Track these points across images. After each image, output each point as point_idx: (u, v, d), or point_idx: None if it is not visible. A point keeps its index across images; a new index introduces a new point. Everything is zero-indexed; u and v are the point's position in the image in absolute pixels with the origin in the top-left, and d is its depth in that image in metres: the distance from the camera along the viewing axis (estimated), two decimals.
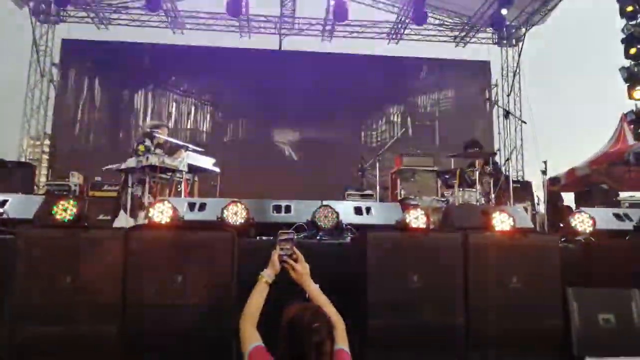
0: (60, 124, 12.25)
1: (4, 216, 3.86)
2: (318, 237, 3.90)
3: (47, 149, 12.08)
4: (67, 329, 2.75)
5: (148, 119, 11.97)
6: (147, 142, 6.40)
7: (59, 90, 12.31)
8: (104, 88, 12.50)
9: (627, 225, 4.37)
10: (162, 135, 6.61)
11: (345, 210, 4.42)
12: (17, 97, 12.07)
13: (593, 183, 9.14)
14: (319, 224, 3.90)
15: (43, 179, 10.95)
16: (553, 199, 7.98)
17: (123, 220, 4.85)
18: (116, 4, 12.54)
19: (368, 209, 4.56)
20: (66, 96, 12.35)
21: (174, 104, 12.70)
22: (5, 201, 4.03)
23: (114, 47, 12.44)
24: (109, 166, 6.74)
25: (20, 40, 12.33)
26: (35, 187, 8.99)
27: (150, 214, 3.78)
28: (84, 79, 12.43)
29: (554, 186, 9.70)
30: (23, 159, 11.36)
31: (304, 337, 2.15)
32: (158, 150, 6.42)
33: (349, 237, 3.97)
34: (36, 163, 11.25)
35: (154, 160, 5.93)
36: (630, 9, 10.34)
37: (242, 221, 3.83)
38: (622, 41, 10.69)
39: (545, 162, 6.79)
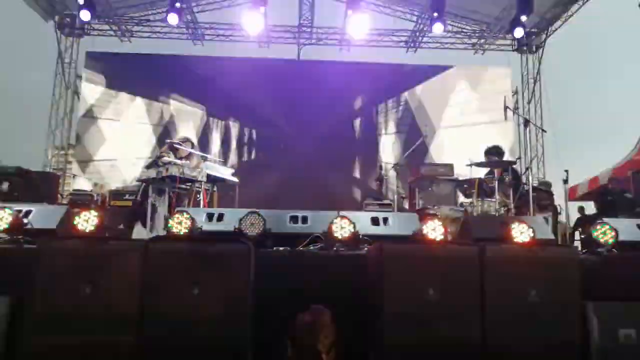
0: (83, 135, 12.52)
1: (28, 226, 3.96)
2: (334, 249, 3.91)
3: (71, 159, 12.39)
4: (86, 338, 2.80)
5: (174, 133, 12.11)
6: (169, 157, 6.54)
7: (83, 101, 12.60)
8: (127, 98, 12.74)
9: None
10: (186, 148, 6.72)
11: (362, 220, 4.41)
12: (42, 108, 12.44)
13: (616, 191, 8.94)
14: (335, 234, 3.90)
15: (67, 188, 11.20)
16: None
17: (142, 231, 4.94)
18: (138, 17, 12.81)
19: (385, 220, 4.53)
20: (90, 107, 12.63)
21: (196, 112, 12.86)
22: (29, 211, 4.12)
23: (136, 58, 12.75)
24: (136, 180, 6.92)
25: (45, 53, 12.73)
26: (59, 196, 9.18)
27: (169, 225, 3.86)
28: (108, 90, 12.70)
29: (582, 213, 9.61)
30: (48, 169, 11.65)
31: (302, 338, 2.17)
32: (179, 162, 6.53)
33: (365, 249, 3.96)
34: (60, 173, 11.53)
35: (174, 170, 6.02)
36: None
37: (259, 231, 3.87)
38: None
39: (566, 171, 6.69)
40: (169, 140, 7.05)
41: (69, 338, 2.78)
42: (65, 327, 2.80)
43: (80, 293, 2.83)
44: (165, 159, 6.37)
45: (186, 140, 7.01)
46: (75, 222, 3.29)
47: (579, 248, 4.88)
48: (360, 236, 4.08)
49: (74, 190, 10.01)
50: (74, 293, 2.84)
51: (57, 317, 2.81)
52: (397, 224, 4.48)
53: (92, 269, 2.91)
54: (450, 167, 8.30)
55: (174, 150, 6.63)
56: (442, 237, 3.44)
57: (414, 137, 12.78)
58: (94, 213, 3.33)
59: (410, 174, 8.50)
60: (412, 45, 13.33)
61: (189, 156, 6.73)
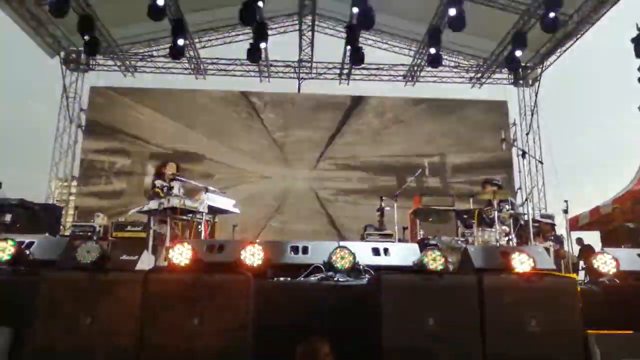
0: (86, 167, 12.63)
1: (30, 257, 3.98)
2: (335, 279, 3.91)
3: (73, 191, 12.47)
4: None
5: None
6: (158, 182, 6.62)
7: (86, 135, 12.77)
8: (129, 132, 12.91)
9: None
10: (169, 171, 6.80)
11: (363, 251, 4.42)
12: (46, 141, 12.62)
13: (618, 222, 8.94)
14: (335, 265, 3.90)
15: (70, 219, 11.22)
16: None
17: (146, 261, 4.94)
18: (142, 53, 13.12)
19: (386, 250, 4.53)
20: (93, 140, 12.79)
21: (197, 145, 12.99)
22: (31, 243, 4.15)
23: (139, 92, 13.00)
24: (134, 210, 6.97)
25: (50, 88, 12.98)
26: (61, 227, 9.20)
27: (169, 256, 3.87)
28: (111, 123, 12.89)
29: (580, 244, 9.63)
30: (51, 201, 11.70)
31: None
32: (174, 184, 6.61)
33: (366, 279, 3.95)
34: (63, 204, 11.58)
35: (175, 202, 6.08)
36: None
37: (260, 262, 3.87)
38: (639, 80, 10.66)
39: (566, 202, 6.72)
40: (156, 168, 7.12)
41: None
42: (66, 358, 2.79)
43: (81, 324, 2.83)
44: (158, 183, 6.56)
45: (166, 162, 7.06)
46: (76, 254, 3.31)
47: (583, 278, 4.87)
48: (361, 266, 4.09)
49: (76, 221, 10.04)
50: (74, 324, 2.84)
51: (57, 348, 2.80)
52: (398, 255, 4.48)
53: (92, 300, 2.92)
54: (451, 197, 8.36)
55: (161, 176, 6.75)
56: (442, 267, 3.45)
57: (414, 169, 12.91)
58: (95, 245, 3.35)
59: (412, 205, 8.54)
60: (410, 79, 13.59)
61: (173, 178, 6.80)
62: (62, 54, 12.45)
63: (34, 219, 6.93)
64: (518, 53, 10.87)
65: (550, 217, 8.73)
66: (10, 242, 3.78)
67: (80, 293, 2.94)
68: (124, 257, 4.53)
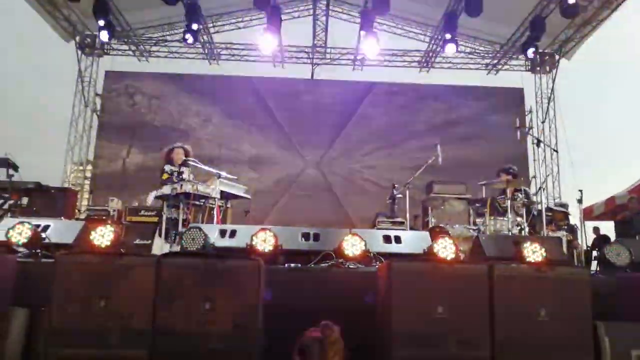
0: (101, 151, 12.77)
1: (46, 240, 4.07)
2: (345, 266, 3.94)
3: (89, 174, 12.64)
4: (100, 352, 2.85)
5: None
6: (167, 167, 6.68)
7: (101, 119, 12.89)
8: (143, 117, 13.00)
9: None
10: (177, 156, 6.83)
11: (374, 238, 4.44)
12: (62, 125, 12.76)
13: (633, 212, 8.83)
14: (346, 252, 3.93)
15: (85, 203, 11.40)
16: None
17: (159, 246, 5.02)
18: (156, 38, 13.13)
19: (397, 238, 4.56)
20: (107, 125, 12.90)
21: (211, 131, 13.03)
22: (47, 226, 4.24)
23: (154, 77, 13.08)
24: (149, 196, 7.04)
25: (66, 72, 13.08)
26: (77, 211, 9.35)
27: (182, 241, 3.94)
28: (125, 108, 12.99)
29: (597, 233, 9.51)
30: (66, 185, 11.87)
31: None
32: (183, 169, 6.66)
33: (376, 266, 3.98)
34: (78, 188, 11.75)
35: (187, 187, 6.13)
36: None
37: (271, 248, 3.91)
38: None
39: (581, 191, 6.65)
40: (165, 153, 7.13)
41: (84, 351, 2.84)
42: (80, 340, 2.86)
43: (95, 307, 2.89)
44: (167, 168, 6.65)
45: (175, 147, 7.07)
46: (91, 238, 3.38)
47: (596, 268, 4.84)
48: (372, 254, 4.11)
49: (91, 205, 10.19)
50: (89, 306, 2.90)
51: (72, 330, 2.87)
52: (409, 242, 4.50)
53: (106, 284, 2.97)
54: (463, 185, 8.32)
55: (169, 161, 6.80)
56: (453, 255, 3.45)
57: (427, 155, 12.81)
58: (109, 228, 3.41)
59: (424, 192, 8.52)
60: (425, 65, 13.43)
61: (184, 163, 6.82)
62: (78, 38, 12.51)
63: (50, 202, 7.05)
64: (536, 39, 10.67)
65: (564, 205, 8.67)
66: (27, 226, 3.88)
67: (95, 276, 2.99)
68: (137, 241, 4.62)
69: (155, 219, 7.24)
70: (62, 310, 2.87)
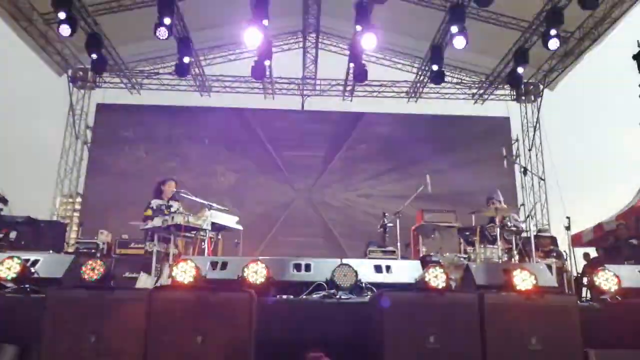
0: (91, 184, 12.71)
1: (35, 275, 4.03)
2: (337, 297, 3.93)
3: (78, 207, 12.53)
4: None
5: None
6: (154, 203, 6.71)
7: (91, 152, 12.89)
8: (134, 149, 13.01)
9: None
10: (169, 189, 6.84)
11: (365, 268, 4.45)
12: (52, 158, 12.70)
13: (621, 238, 8.92)
14: (338, 283, 3.94)
15: (74, 236, 11.26)
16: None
17: (143, 281, 4.98)
18: (148, 71, 13.29)
19: (388, 267, 4.57)
20: (98, 157, 12.89)
21: (202, 162, 13.05)
22: (36, 261, 4.21)
23: (145, 110, 13.17)
24: (136, 223, 6.98)
25: (57, 105, 13.12)
26: (65, 244, 9.25)
27: (173, 274, 3.91)
28: (116, 141, 13.00)
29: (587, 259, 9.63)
30: (55, 217, 11.76)
31: None
32: (172, 202, 6.65)
33: (367, 297, 3.98)
34: (67, 221, 11.64)
35: (179, 219, 6.11)
36: None
37: (263, 280, 3.90)
38: None
39: (568, 218, 6.73)
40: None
41: None
42: None
43: (86, 342, 2.86)
44: (153, 204, 6.58)
45: (167, 179, 7.10)
46: (81, 272, 3.36)
47: (586, 295, 4.87)
48: (363, 284, 4.12)
49: (80, 238, 10.07)
50: (79, 343, 2.87)
51: None
52: (400, 272, 4.51)
53: (97, 319, 2.95)
54: (453, 214, 8.38)
55: (158, 194, 6.80)
56: (444, 284, 3.47)
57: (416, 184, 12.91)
58: (100, 263, 3.40)
59: (414, 221, 8.56)
60: (413, 95, 13.69)
61: (174, 196, 6.83)
62: (70, 71, 12.63)
63: (39, 236, 7.01)
64: (520, 69, 10.96)
65: (546, 230, 8.76)
66: (16, 260, 3.84)
67: (85, 311, 2.97)
68: (127, 274, 4.60)
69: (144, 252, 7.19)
70: (52, 346, 2.84)
